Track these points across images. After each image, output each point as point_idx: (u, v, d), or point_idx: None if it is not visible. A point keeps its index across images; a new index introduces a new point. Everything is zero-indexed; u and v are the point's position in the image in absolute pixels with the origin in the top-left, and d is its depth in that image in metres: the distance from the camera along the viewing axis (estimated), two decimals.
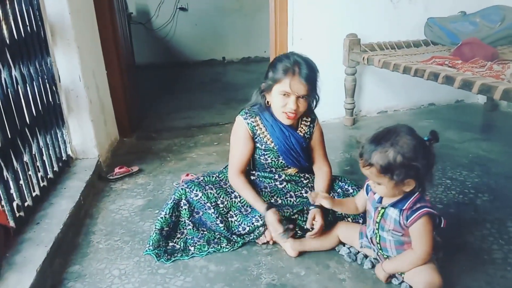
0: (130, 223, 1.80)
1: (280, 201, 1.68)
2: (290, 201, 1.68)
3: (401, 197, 1.31)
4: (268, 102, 1.63)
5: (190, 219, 1.64)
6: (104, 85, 2.57)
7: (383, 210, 1.36)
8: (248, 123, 1.65)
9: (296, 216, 1.60)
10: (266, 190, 1.70)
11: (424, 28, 2.94)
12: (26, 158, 1.68)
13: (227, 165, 1.75)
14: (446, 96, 3.34)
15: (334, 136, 2.75)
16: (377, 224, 1.39)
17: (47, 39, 1.97)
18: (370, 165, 1.26)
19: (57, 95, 2.05)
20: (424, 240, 1.28)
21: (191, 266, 1.50)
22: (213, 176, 1.73)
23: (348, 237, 1.55)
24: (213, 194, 1.65)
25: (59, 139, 2.05)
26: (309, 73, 1.51)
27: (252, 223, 1.58)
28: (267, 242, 1.61)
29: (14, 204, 1.54)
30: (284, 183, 1.71)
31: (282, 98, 1.54)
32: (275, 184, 1.70)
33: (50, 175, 1.91)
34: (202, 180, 1.69)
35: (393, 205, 1.32)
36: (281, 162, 1.69)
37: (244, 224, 1.61)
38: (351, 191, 1.68)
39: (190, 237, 1.62)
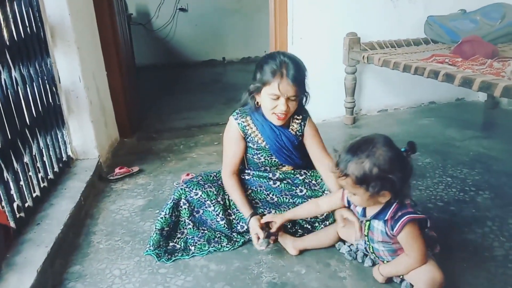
0: (130, 223, 1.80)
1: (276, 199, 1.68)
2: (286, 198, 1.68)
3: (381, 208, 1.29)
4: (257, 102, 1.63)
5: (190, 218, 1.64)
6: (104, 86, 2.57)
7: (368, 222, 1.36)
8: (238, 123, 1.66)
9: None
10: (261, 189, 1.69)
11: (424, 26, 2.94)
12: (26, 159, 1.68)
13: None
14: (447, 94, 3.33)
15: (335, 135, 2.73)
16: (366, 237, 1.39)
17: (47, 40, 1.98)
18: (346, 176, 1.23)
19: (57, 96, 2.06)
20: (415, 246, 1.27)
21: (191, 266, 1.50)
22: (211, 176, 1.73)
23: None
24: (213, 192, 1.65)
25: (60, 140, 2.06)
26: (296, 73, 1.50)
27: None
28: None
29: (15, 205, 1.55)
30: (278, 183, 1.69)
31: (272, 101, 1.53)
32: (269, 184, 1.70)
33: (51, 175, 1.91)
34: (200, 179, 1.70)
35: (375, 217, 1.31)
36: (275, 161, 1.69)
37: (242, 222, 1.62)
38: None
39: (191, 236, 1.62)
